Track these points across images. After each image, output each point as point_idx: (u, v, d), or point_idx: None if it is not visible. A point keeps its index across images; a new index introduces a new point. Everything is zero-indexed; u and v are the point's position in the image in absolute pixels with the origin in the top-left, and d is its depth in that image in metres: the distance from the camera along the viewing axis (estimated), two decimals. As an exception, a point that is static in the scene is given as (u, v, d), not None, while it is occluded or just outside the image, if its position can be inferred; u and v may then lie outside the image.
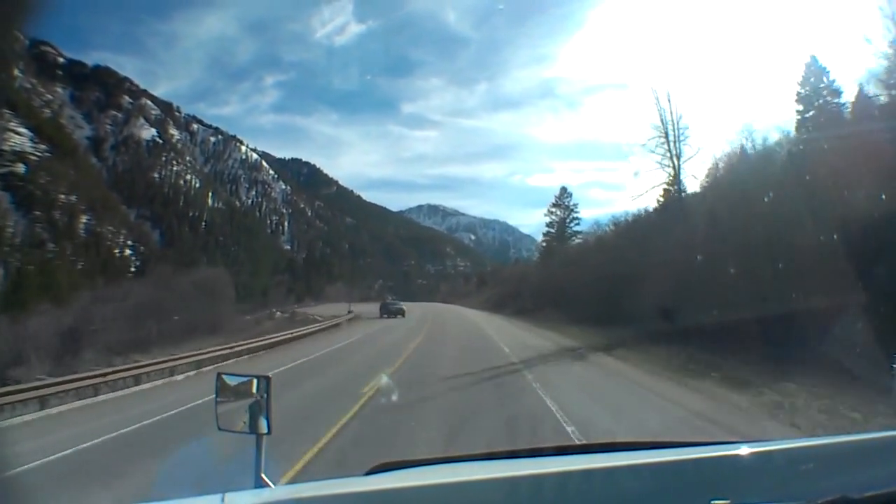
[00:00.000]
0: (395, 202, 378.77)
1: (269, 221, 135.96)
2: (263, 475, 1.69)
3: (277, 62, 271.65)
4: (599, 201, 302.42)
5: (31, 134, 72.22)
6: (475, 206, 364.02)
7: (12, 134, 70.30)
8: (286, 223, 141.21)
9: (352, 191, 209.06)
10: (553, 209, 62.86)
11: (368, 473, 1.59)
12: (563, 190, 63.75)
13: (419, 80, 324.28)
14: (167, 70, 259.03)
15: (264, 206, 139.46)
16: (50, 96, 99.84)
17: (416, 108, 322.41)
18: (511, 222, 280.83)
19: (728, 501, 1.26)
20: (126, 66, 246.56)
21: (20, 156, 68.59)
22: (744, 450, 1.56)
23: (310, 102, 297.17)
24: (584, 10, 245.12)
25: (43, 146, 72.90)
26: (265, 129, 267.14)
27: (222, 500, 1.27)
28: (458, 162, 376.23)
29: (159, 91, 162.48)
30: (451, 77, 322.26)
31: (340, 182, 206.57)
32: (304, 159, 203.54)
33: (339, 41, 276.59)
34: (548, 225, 63.60)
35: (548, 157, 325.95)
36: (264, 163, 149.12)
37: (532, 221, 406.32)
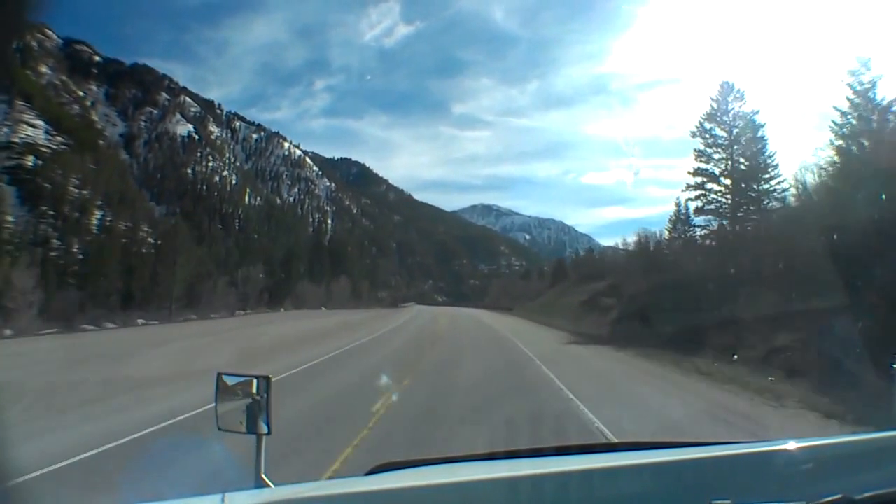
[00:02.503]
0: (448, 203, 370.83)
1: (311, 219, 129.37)
2: (264, 475, 1.66)
3: (327, 66, 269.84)
4: (657, 199, 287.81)
5: (46, 126, 67.07)
6: (529, 206, 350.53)
7: (26, 126, 65.68)
8: (329, 221, 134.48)
9: (402, 189, 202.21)
10: (708, 126, 31.11)
11: (368, 473, 1.57)
12: (728, 87, 31.26)
13: (469, 81, 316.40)
14: (218, 77, 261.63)
15: (307, 204, 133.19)
16: (82, 93, 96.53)
17: (466, 108, 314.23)
18: (567, 221, 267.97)
19: (728, 501, 1.26)
20: (177, 72, 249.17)
21: (31, 148, 63.22)
22: (744, 450, 1.57)
23: (360, 105, 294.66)
24: (634, 4, 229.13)
25: (60, 139, 67.74)
26: (317, 132, 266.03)
27: (222, 500, 1.26)
28: (510, 162, 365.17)
29: (211, 97, 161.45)
30: (502, 76, 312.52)
31: (391, 181, 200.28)
32: (353, 158, 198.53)
33: (388, 44, 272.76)
34: (700, 155, 31.20)
35: (602, 155, 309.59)
36: (308, 159, 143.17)
37: (588, 221, 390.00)
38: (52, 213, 57.51)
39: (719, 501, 1.25)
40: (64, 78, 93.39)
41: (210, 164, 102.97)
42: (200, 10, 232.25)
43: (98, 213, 62.97)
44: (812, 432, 8.84)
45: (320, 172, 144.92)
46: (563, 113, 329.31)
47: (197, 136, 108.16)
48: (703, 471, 1.49)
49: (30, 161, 61.26)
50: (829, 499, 1.26)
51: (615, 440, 8.94)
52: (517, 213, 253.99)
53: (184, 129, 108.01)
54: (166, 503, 1.40)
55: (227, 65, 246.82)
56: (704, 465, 1.51)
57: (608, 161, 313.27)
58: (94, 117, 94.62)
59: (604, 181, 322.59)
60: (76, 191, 61.90)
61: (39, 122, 66.63)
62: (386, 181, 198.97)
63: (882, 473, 1.45)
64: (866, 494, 1.28)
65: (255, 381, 1.82)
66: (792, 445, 1.62)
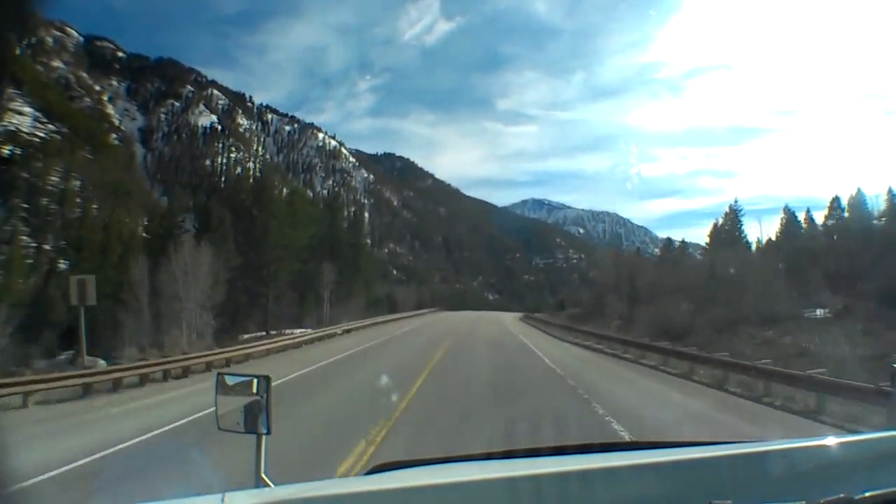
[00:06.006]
0: (498, 199, 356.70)
1: (346, 212, 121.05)
2: (264, 475, 1.69)
3: (369, 66, 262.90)
4: (710, 190, 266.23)
5: (35, 114, 61.03)
6: (580, 200, 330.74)
7: (13, 114, 59.89)
8: (366, 214, 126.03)
9: (449, 184, 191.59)
10: None
11: (368, 473, 1.60)
12: None
13: (512, 75, 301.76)
14: (261, 81, 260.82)
15: (342, 196, 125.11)
16: (99, 87, 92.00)
17: (511, 103, 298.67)
18: (622, 214, 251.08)
19: (728, 502, 1.26)
20: (220, 78, 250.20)
21: (12, 137, 56.97)
22: (744, 450, 1.57)
23: (405, 104, 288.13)
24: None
25: (51, 127, 61.66)
26: (362, 133, 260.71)
27: (222, 500, 1.25)
28: (558, 156, 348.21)
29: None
30: (546, 69, 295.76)
31: (436, 176, 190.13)
32: (397, 154, 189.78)
33: (429, 41, 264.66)
34: None
35: (652, 146, 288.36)
36: (343, 150, 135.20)
37: (642, 213, 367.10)
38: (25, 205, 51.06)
39: (719, 501, 1.23)
40: (79, 73, 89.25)
41: (233, 155, 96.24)
42: (239, 17, 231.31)
43: (82, 207, 56.59)
44: None
45: (357, 164, 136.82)
46: (609, 104, 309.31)
47: (220, 127, 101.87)
48: (702, 471, 1.46)
49: (9, 151, 55.47)
50: (829, 499, 1.25)
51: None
52: (569, 207, 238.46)
53: (206, 120, 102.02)
54: (166, 503, 1.38)
55: (269, 69, 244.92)
56: (704, 465, 1.48)
57: (659, 151, 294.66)
58: (111, 111, 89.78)
59: (655, 172, 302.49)
60: (60, 181, 55.44)
61: (28, 110, 60.98)
62: (431, 175, 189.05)
63: (882, 473, 1.42)
64: (866, 494, 1.27)
65: (254, 381, 1.80)
66: (792, 445, 1.60)
